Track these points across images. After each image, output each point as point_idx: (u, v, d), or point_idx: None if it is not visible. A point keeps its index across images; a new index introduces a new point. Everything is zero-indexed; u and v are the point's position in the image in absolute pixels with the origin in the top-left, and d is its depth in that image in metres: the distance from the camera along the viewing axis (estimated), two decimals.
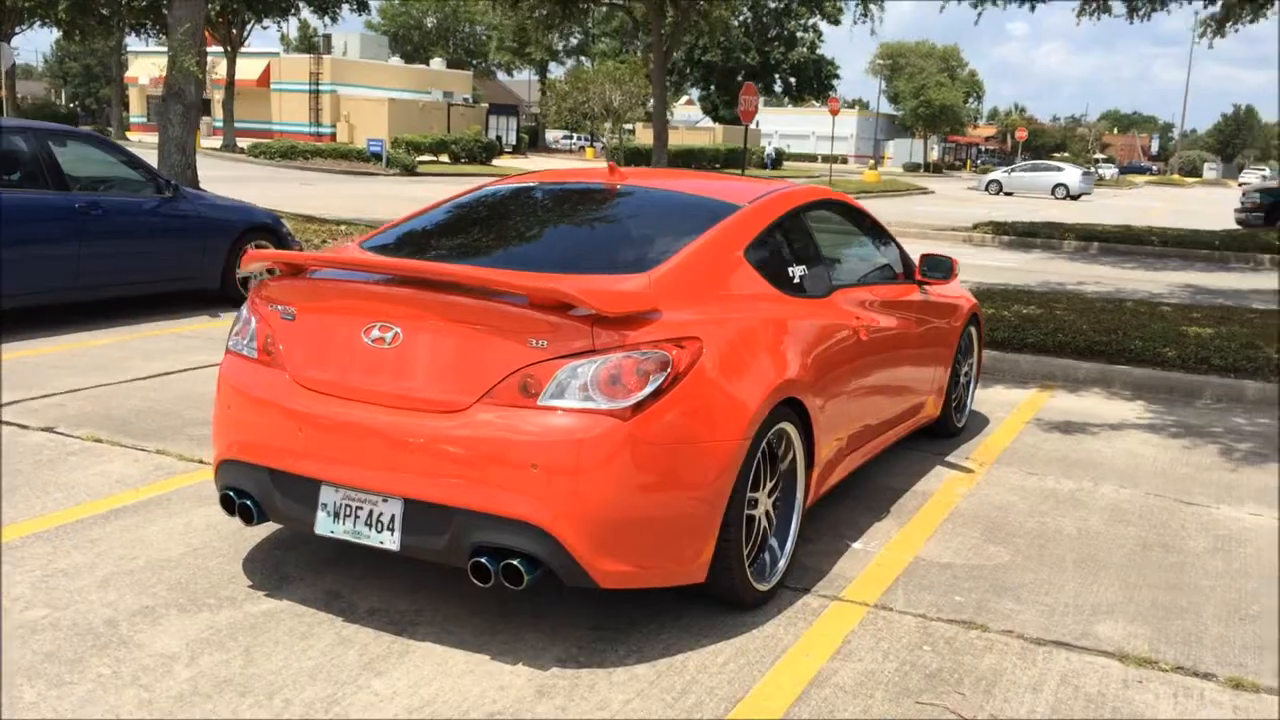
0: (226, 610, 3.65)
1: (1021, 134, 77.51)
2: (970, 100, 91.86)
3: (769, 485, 3.90)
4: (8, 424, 5.63)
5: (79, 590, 3.74)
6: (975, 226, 22.04)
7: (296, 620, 3.60)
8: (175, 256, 9.19)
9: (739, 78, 72.67)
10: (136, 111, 60.53)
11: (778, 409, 3.76)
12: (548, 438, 3.24)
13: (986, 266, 16.03)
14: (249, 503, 3.66)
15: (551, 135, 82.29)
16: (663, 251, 3.89)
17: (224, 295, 9.61)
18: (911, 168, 74.23)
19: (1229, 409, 7.55)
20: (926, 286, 5.64)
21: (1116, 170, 78.80)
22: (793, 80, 72.19)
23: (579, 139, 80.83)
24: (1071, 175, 44.55)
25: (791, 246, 4.47)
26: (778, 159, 59.49)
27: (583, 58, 70.83)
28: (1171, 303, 11.72)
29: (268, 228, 10.12)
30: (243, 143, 40.87)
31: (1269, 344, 8.33)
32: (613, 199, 4.61)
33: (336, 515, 3.49)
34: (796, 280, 4.32)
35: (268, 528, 4.35)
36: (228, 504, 3.74)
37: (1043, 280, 14.61)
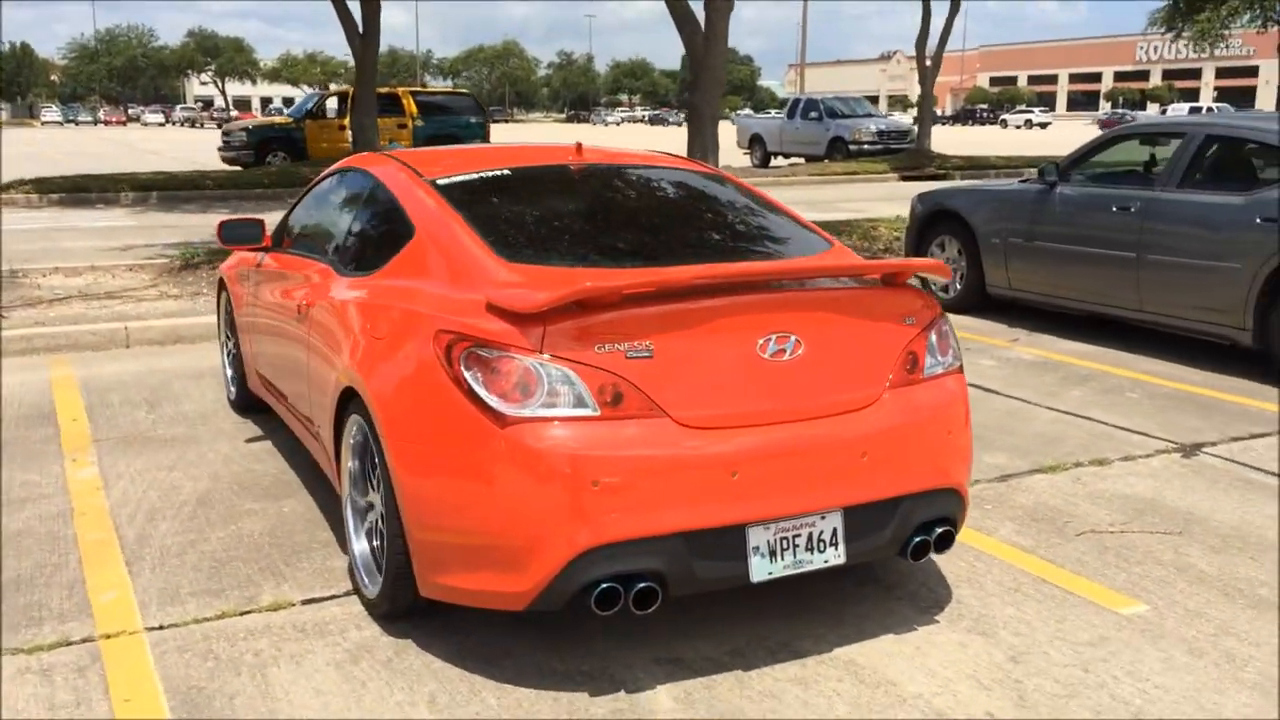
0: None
1: None
2: None
3: None
4: None
5: None
6: (12, 185, 18.64)
7: (743, 688, 3.15)
8: None
9: None
10: None
11: None
12: (950, 405, 3.48)
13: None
14: (648, 584, 3.00)
15: None
16: (786, 223, 4.10)
17: None
18: None
19: None
20: None
21: None
22: None
23: None
24: None
25: None
26: None
27: None
28: None
29: None
30: None
31: None
32: (637, 179, 4.49)
33: (772, 554, 3.16)
34: None
35: (332, 647, 3.33)
36: (606, 600, 2.99)
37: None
